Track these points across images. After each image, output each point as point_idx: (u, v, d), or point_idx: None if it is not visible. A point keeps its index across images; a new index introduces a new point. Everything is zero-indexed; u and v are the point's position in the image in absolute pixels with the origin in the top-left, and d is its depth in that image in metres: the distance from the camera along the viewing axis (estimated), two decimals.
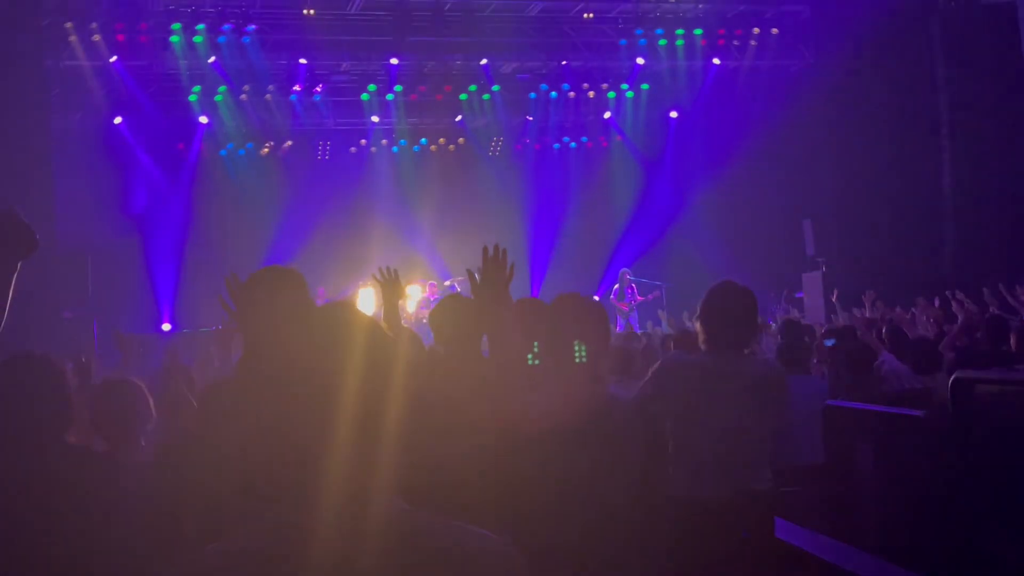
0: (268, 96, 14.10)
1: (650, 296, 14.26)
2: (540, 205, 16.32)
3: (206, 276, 11.25)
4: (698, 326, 3.74)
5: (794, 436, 4.91)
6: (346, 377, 1.28)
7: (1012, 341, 5.81)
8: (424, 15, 13.57)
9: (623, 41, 14.69)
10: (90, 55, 12.45)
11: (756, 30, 14.89)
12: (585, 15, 14.53)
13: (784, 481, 4.20)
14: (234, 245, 13.10)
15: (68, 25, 12.10)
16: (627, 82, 15.49)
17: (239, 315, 2.68)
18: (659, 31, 14.63)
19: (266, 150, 15.14)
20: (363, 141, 15.79)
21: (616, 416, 3.04)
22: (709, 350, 3.65)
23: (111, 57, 12.57)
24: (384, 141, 15.79)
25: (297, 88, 14.16)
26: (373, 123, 15.26)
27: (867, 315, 8.34)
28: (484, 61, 14.46)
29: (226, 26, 12.85)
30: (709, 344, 3.65)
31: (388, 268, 3.79)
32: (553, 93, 15.29)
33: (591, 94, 15.41)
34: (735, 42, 14.98)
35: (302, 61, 13.75)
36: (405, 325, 4.72)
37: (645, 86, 15.66)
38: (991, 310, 8.09)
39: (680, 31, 14.66)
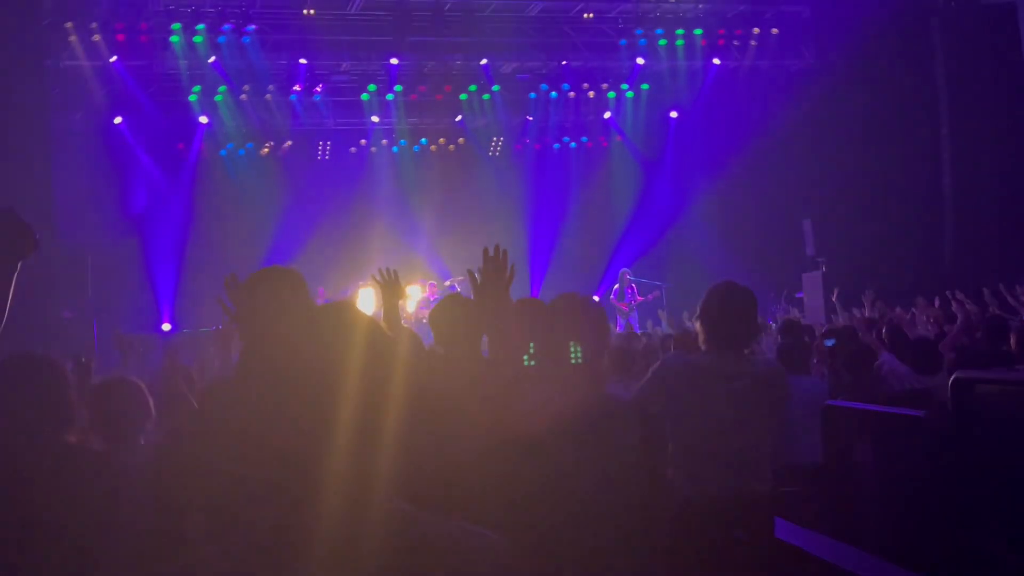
0: (268, 96, 14.10)
1: (650, 296, 14.26)
2: (540, 205, 16.32)
3: (206, 276, 11.25)
4: (698, 326, 3.74)
5: (794, 436, 4.91)
6: (346, 377, 1.28)
7: (1012, 341, 5.81)
8: (424, 15, 13.58)
9: (623, 41, 14.70)
10: (90, 55, 12.45)
11: (756, 30, 14.89)
12: (585, 15, 14.53)
13: (784, 481, 4.21)
14: (234, 245, 13.09)
15: (68, 25, 12.10)
16: (627, 82, 15.49)
17: (238, 315, 2.68)
18: (659, 31, 14.63)
19: (266, 150, 15.14)
20: (363, 141, 15.78)
21: (616, 416, 3.04)
22: (709, 350, 3.65)
23: (111, 57, 12.58)
24: (384, 141, 15.79)
25: (297, 88, 14.16)
26: (373, 123, 15.26)
27: (867, 315, 8.34)
28: (484, 61, 14.46)
29: (226, 26, 12.85)
30: (709, 344, 3.65)
31: (388, 269, 3.79)
32: (553, 93, 15.30)
33: (591, 94, 15.42)
34: (735, 42, 14.98)
35: (302, 61, 13.76)
36: (405, 325, 4.73)
37: (645, 86, 15.66)
38: (991, 310, 8.09)
39: (680, 31, 14.66)
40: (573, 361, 2.97)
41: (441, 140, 16.12)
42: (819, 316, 11.79)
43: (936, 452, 3.94)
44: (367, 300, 12.02)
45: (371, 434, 1.29)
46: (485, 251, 2.99)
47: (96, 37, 12.31)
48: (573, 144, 16.90)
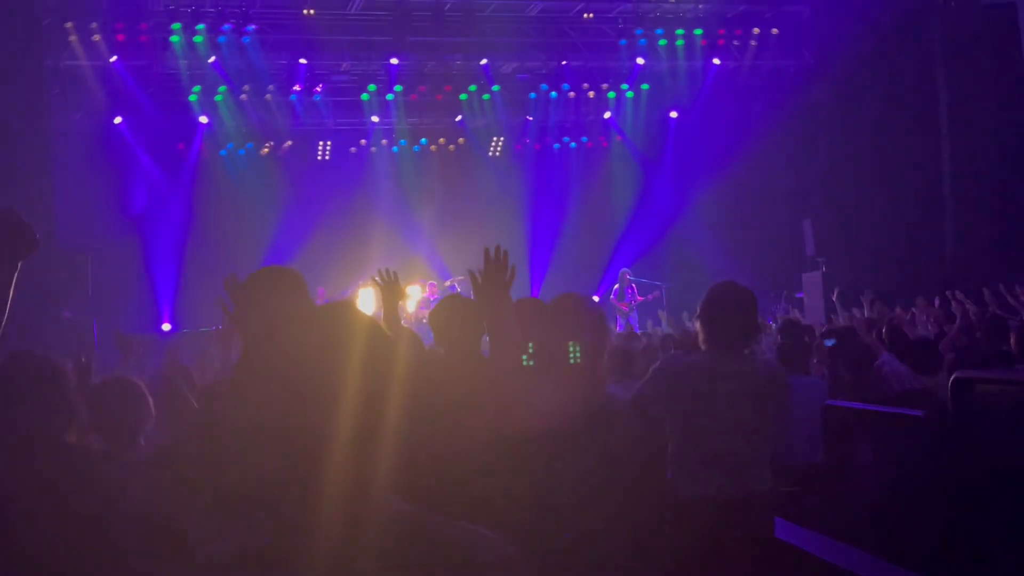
0: (268, 96, 14.10)
1: (650, 296, 14.26)
2: (540, 205, 16.32)
3: (206, 276, 11.23)
4: (698, 326, 3.74)
5: (794, 436, 4.91)
6: (346, 377, 1.28)
7: (1012, 341, 5.81)
8: (424, 15, 13.58)
9: (623, 41, 14.69)
10: (90, 55, 12.45)
11: (756, 30, 14.89)
12: (585, 15, 14.54)
13: (784, 481, 4.20)
14: (234, 245, 13.09)
15: (68, 25, 12.10)
16: (627, 82, 15.49)
17: (238, 315, 2.68)
18: (659, 31, 14.63)
19: (266, 150, 15.14)
20: (363, 141, 15.78)
21: (615, 416, 3.04)
22: (709, 350, 3.65)
23: (111, 57, 12.58)
24: (384, 141, 15.79)
25: (297, 88, 14.16)
26: (373, 123, 15.26)
27: (866, 316, 8.34)
28: (484, 61, 14.46)
29: (226, 26, 12.85)
30: (709, 344, 3.65)
31: (388, 270, 3.79)
32: (553, 93, 15.29)
33: (591, 94, 15.41)
34: (735, 42, 14.98)
35: (302, 61, 13.76)
36: (405, 325, 4.73)
37: (645, 86, 15.65)
38: (991, 310, 8.09)
39: (680, 31, 14.66)
40: (572, 361, 2.97)
41: (441, 140, 16.12)
42: (819, 316, 11.79)
43: (936, 452, 3.94)
44: (367, 300, 12.02)
45: (371, 434, 1.29)
46: (486, 251, 3.00)
47: (96, 37, 12.30)
48: (573, 144, 16.90)
